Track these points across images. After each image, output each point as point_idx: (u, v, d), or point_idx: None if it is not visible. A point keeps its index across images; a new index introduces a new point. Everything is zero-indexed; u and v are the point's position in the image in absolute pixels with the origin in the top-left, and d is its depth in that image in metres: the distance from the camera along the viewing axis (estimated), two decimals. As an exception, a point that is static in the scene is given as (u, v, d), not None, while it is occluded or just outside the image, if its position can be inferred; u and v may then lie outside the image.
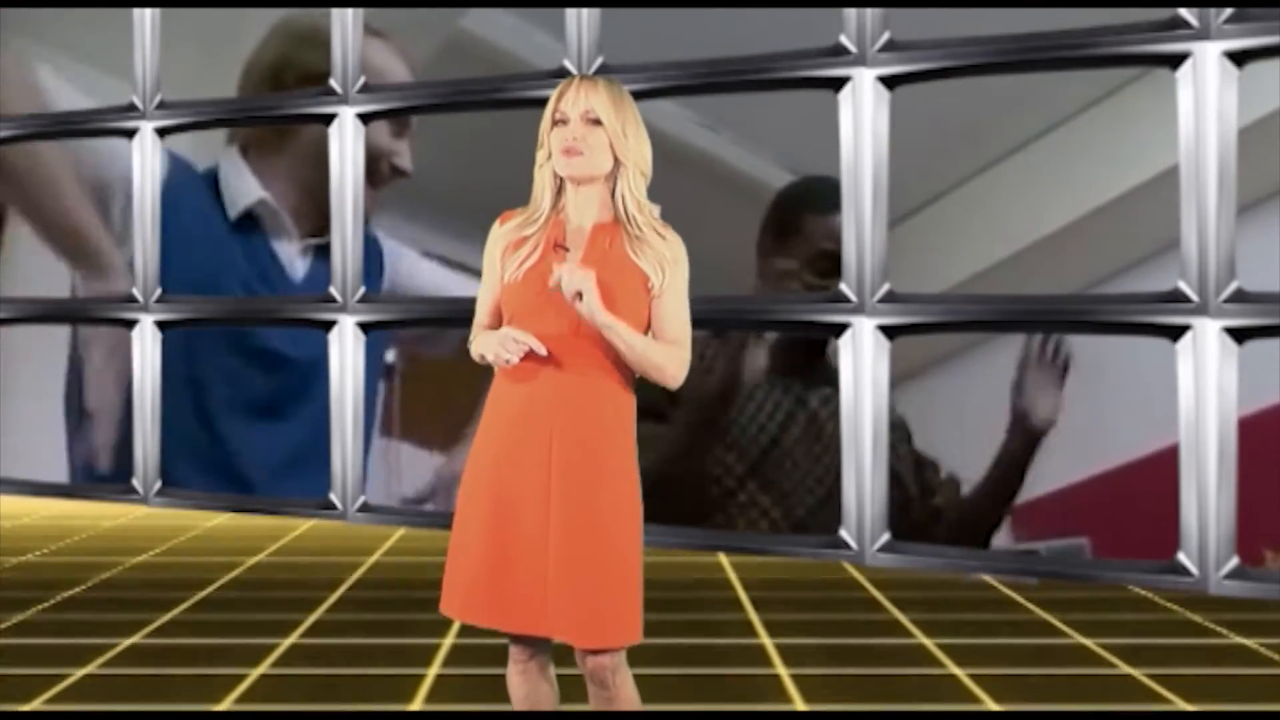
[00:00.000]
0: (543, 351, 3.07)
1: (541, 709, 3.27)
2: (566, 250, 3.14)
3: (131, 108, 9.21)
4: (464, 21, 8.34)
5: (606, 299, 3.08)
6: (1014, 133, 6.97)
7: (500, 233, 3.22)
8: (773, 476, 7.35)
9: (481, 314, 3.25)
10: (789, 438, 7.34)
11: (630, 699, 3.21)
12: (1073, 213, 6.84)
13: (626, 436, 3.17)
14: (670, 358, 3.13)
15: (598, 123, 3.11)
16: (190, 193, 8.98)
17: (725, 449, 7.45)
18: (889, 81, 7.10)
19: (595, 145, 3.11)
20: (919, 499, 7.11)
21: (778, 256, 7.36)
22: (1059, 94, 6.86)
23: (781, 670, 5.05)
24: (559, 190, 3.19)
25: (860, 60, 7.15)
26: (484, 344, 3.12)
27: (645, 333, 3.16)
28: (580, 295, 3.01)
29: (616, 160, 3.14)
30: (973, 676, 4.98)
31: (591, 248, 3.14)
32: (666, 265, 3.14)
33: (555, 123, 3.14)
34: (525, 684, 3.25)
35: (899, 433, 7.13)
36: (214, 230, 8.87)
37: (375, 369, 8.56)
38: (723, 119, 7.66)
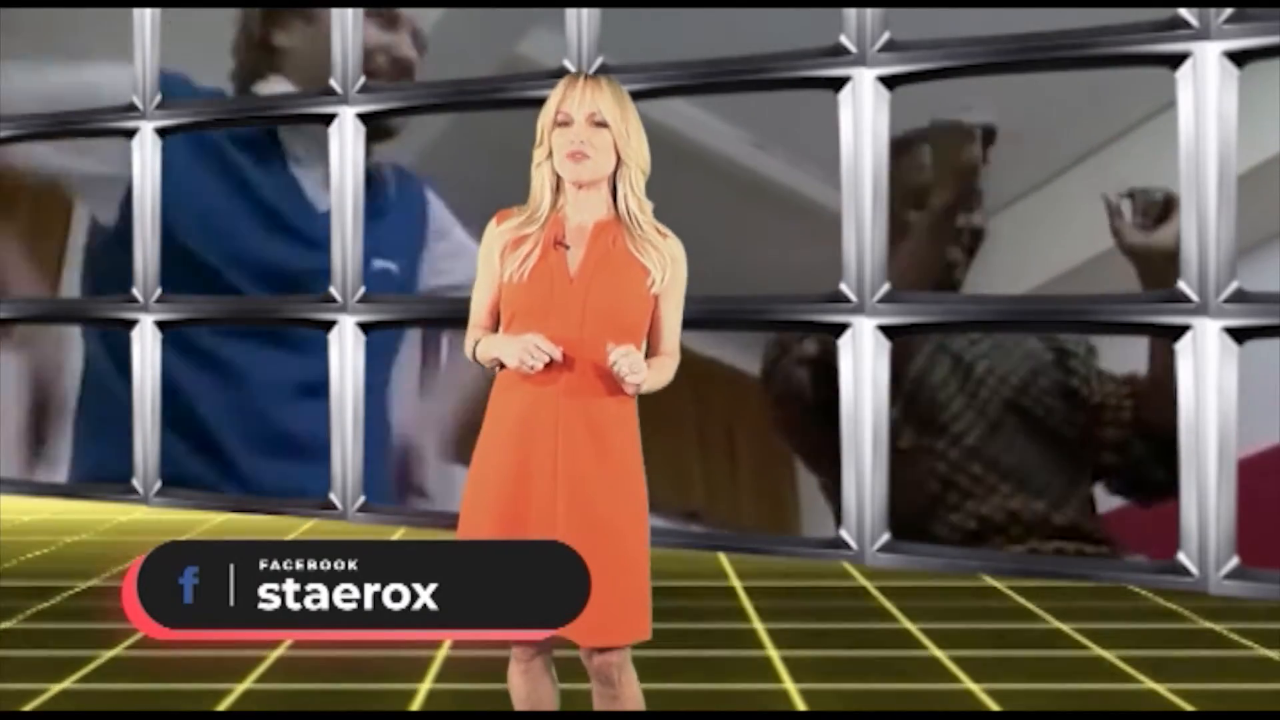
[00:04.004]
0: (560, 358, 3.06)
1: (543, 709, 3.26)
2: (567, 247, 3.13)
3: (131, 108, 9.20)
4: (520, 48, 8.28)
5: (612, 296, 3.09)
6: (1080, 140, 6.88)
7: (498, 231, 3.19)
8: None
9: (478, 315, 3.23)
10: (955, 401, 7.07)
11: (634, 697, 3.20)
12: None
13: (631, 434, 3.17)
14: (669, 373, 3.19)
15: (603, 125, 3.10)
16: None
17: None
18: (889, 81, 7.10)
19: (601, 147, 3.10)
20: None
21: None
22: (1123, 101, 6.77)
23: (781, 670, 5.05)
24: (557, 188, 3.17)
25: (860, 60, 7.15)
26: (502, 349, 3.09)
27: (646, 329, 3.16)
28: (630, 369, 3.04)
29: (619, 159, 3.13)
30: (971, 675, 4.97)
31: (594, 245, 3.14)
32: (668, 263, 3.14)
33: (558, 124, 3.12)
34: (527, 683, 3.23)
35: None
36: None
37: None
38: (749, 125, 7.63)
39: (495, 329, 3.21)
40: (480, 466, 3.17)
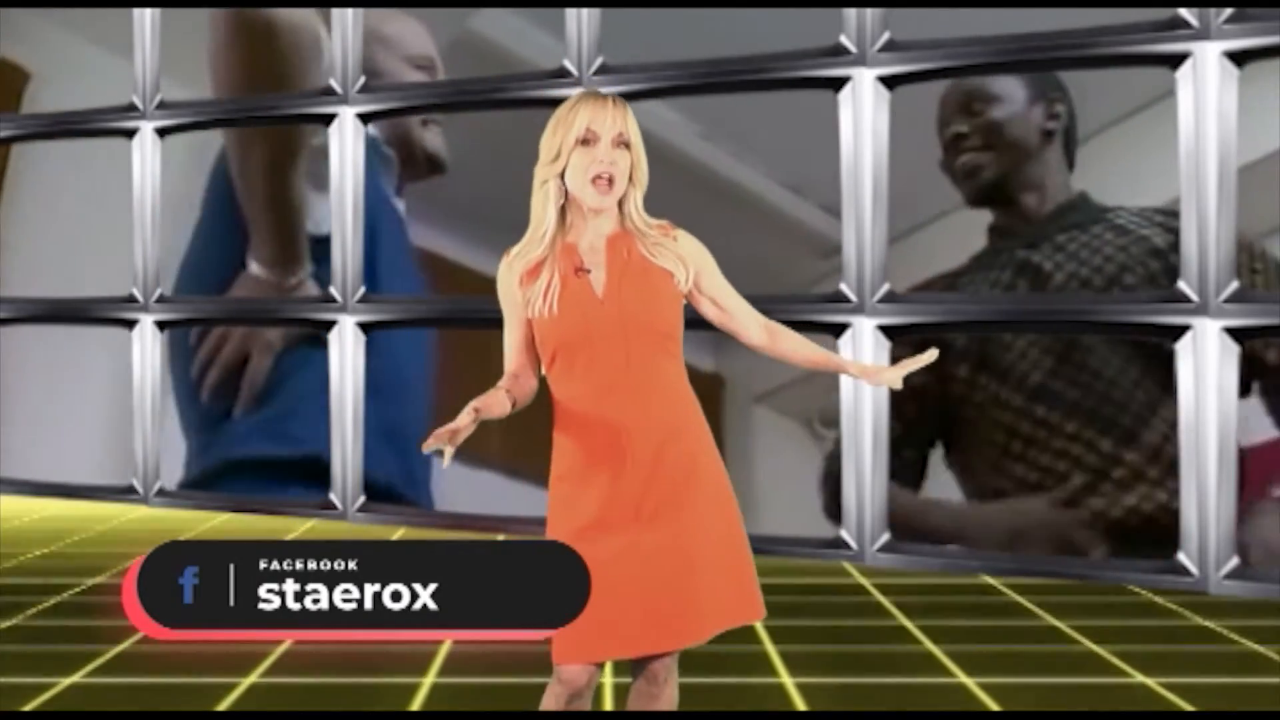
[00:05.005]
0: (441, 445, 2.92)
1: None
2: (588, 272, 3.10)
3: (131, 108, 9.21)
4: (471, 22, 8.33)
5: (644, 306, 3.07)
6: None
7: (509, 265, 3.14)
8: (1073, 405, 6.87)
9: (509, 360, 3.16)
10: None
11: (671, 699, 3.18)
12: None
13: (702, 433, 3.14)
14: (787, 331, 3.29)
15: (626, 146, 3.07)
16: None
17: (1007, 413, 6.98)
18: (889, 81, 7.10)
19: (623, 170, 3.07)
20: None
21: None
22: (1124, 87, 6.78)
23: (781, 670, 5.05)
24: (563, 207, 3.12)
25: (860, 60, 7.15)
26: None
27: (681, 329, 3.15)
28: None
29: (630, 180, 3.11)
30: (971, 675, 4.97)
31: (612, 262, 3.10)
32: (687, 259, 3.13)
33: (582, 141, 3.06)
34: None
35: None
36: None
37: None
38: (722, 127, 7.63)
39: (529, 367, 3.15)
40: (556, 501, 3.13)
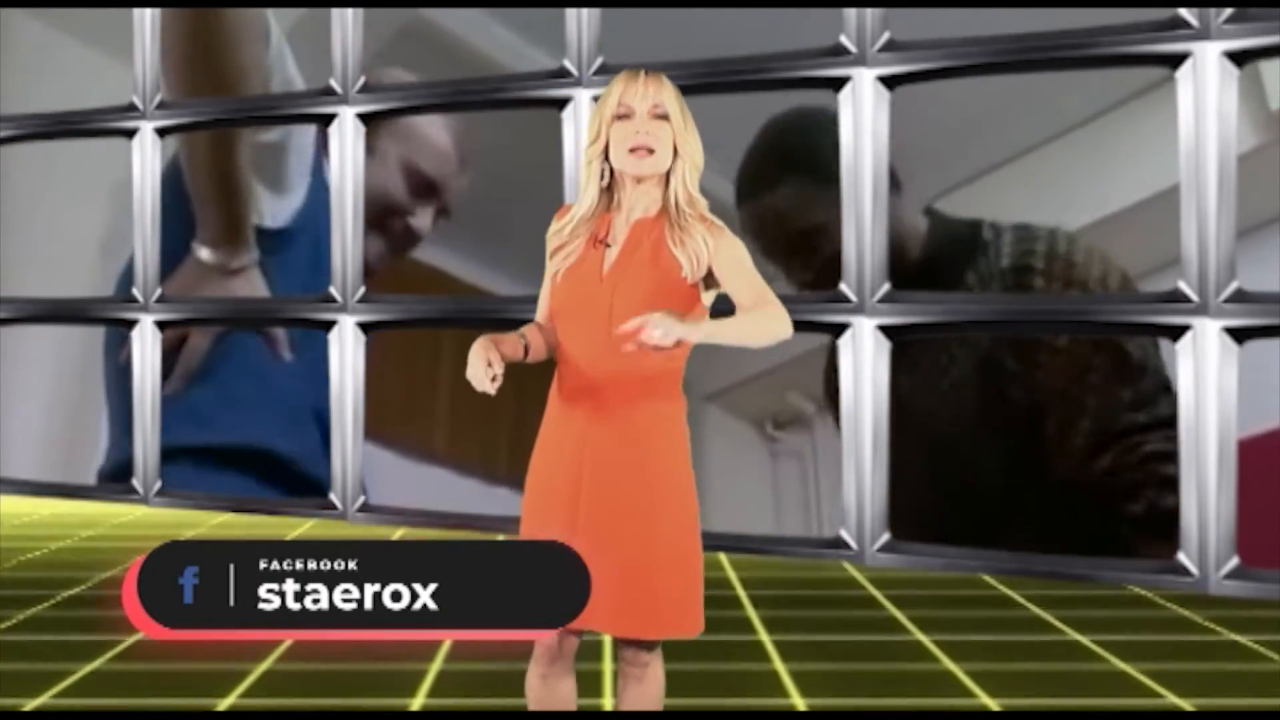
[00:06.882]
0: (488, 389, 2.97)
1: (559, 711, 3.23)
2: (608, 245, 3.10)
3: (131, 108, 9.21)
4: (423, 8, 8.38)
5: (637, 296, 3.04)
6: (1035, 129, 6.93)
7: (553, 229, 3.18)
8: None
9: (538, 312, 3.23)
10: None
11: (657, 680, 3.19)
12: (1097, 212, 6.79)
13: (668, 433, 3.13)
14: (771, 316, 3.01)
15: (664, 118, 3.07)
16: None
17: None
18: (889, 81, 7.11)
19: (662, 141, 3.07)
20: None
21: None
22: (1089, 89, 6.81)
23: (781, 670, 5.05)
24: (610, 185, 3.13)
25: (860, 60, 7.15)
26: (472, 353, 3.02)
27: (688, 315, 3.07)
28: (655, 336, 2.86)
29: (675, 154, 3.09)
30: (971, 675, 4.97)
31: (628, 243, 3.10)
32: (702, 253, 3.06)
33: (618, 117, 3.08)
34: (544, 688, 3.19)
35: None
36: None
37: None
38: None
39: (552, 324, 3.19)
40: (531, 466, 3.19)
